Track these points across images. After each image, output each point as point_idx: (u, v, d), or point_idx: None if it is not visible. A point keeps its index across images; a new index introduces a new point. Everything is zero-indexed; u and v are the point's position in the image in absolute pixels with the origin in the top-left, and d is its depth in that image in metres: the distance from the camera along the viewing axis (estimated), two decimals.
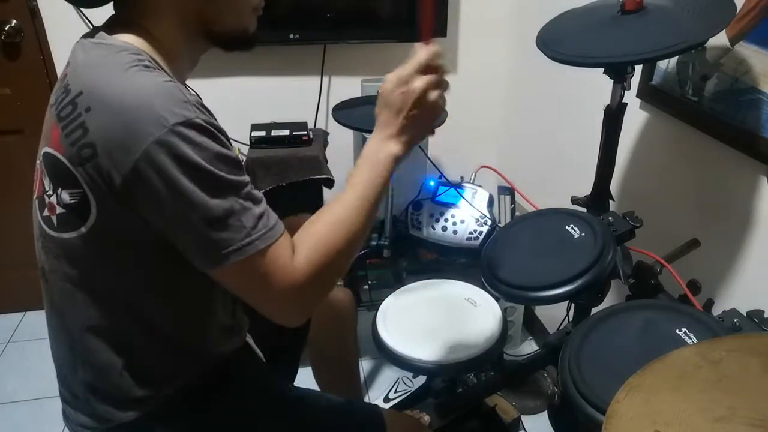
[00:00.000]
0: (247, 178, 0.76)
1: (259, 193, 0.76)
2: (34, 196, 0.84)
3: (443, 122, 0.78)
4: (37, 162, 0.83)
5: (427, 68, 0.79)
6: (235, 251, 0.72)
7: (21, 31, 1.85)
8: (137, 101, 0.69)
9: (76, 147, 0.73)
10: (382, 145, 0.81)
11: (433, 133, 0.84)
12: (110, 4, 0.83)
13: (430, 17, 0.81)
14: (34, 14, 1.84)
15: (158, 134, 0.68)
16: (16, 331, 2.15)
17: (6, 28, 1.83)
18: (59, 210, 0.78)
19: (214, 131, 0.72)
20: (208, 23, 0.83)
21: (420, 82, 0.78)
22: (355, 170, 0.81)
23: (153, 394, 0.87)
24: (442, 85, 0.80)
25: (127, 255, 0.78)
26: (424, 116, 0.80)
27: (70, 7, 1.83)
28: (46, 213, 0.81)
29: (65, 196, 0.77)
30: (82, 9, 1.83)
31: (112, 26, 0.81)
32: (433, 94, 0.79)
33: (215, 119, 0.76)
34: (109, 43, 0.77)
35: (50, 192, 0.79)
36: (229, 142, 0.76)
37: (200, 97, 0.78)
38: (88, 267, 0.80)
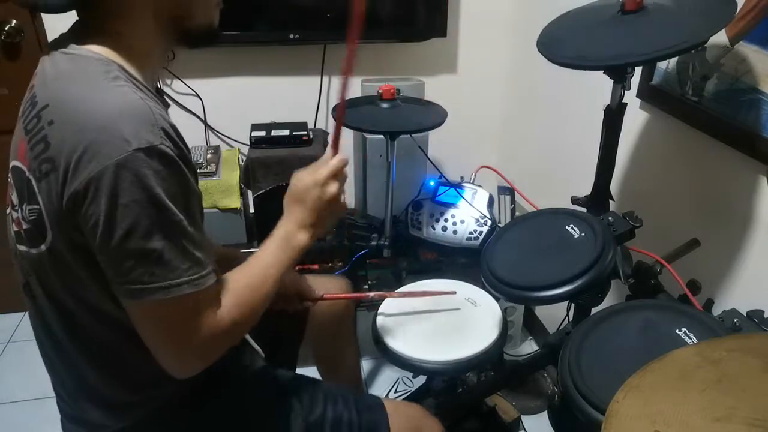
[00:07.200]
0: (198, 217, 0.75)
1: (204, 238, 0.75)
2: (7, 211, 0.83)
3: (339, 221, 0.94)
4: (8, 175, 0.81)
5: (336, 174, 0.90)
6: (161, 289, 0.70)
7: (21, 31, 1.85)
8: (102, 120, 0.67)
9: (38, 161, 0.71)
10: (297, 233, 0.90)
11: (330, 230, 0.96)
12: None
13: (338, 131, 0.96)
14: (34, 14, 1.84)
15: (118, 157, 0.66)
16: (16, 331, 2.15)
17: (6, 28, 1.83)
18: (25, 225, 0.77)
19: (176, 161, 0.70)
20: (180, 20, 0.81)
21: (334, 188, 0.90)
22: (268, 246, 0.88)
23: (149, 396, 0.87)
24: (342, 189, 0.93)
25: (87, 273, 0.75)
26: (331, 216, 0.92)
27: None
28: (15, 228, 0.80)
29: (27, 212, 0.75)
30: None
31: (80, 33, 0.79)
32: (341, 198, 0.92)
33: (183, 145, 0.74)
34: (78, 53, 0.75)
35: (17, 207, 0.78)
36: (194, 175, 0.75)
37: (167, 113, 0.76)
38: (56, 283, 0.78)
